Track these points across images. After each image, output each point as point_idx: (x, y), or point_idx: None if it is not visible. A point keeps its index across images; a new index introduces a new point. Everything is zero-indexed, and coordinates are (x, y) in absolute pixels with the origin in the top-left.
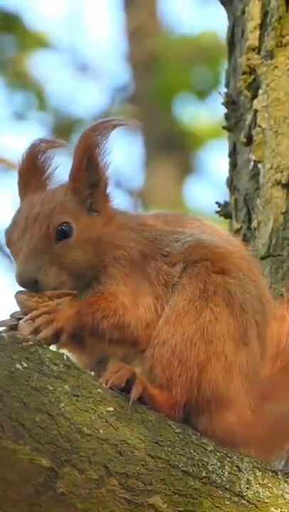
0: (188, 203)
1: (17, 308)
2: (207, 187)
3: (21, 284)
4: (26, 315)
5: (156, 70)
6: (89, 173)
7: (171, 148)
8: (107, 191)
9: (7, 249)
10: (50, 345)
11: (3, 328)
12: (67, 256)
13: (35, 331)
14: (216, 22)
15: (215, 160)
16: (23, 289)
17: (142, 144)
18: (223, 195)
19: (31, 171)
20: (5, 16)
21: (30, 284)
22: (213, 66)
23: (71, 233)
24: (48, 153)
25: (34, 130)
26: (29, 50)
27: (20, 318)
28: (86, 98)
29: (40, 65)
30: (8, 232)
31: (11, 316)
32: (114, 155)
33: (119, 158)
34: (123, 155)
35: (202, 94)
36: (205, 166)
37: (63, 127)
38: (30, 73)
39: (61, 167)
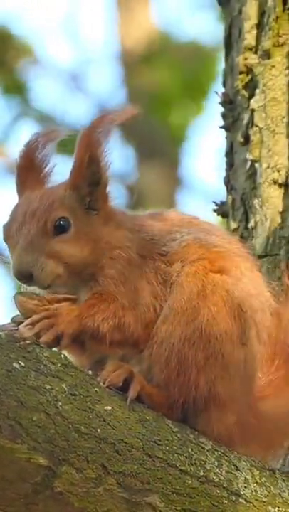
0: (180, 203)
1: (17, 311)
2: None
3: (17, 276)
4: (26, 318)
5: (149, 72)
6: (90, 171)
7: (162, 150)
8: (107, 190)
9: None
10: (50, 348)
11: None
12: (64, 251)
13: (36, 336)
14: (211, 23)
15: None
16: (23, 291)
17: (133, 144)
18: (216, 194)
19: (29, 169)
20: None
21: (26, 277)
22: (206, 69)
23: (68, 228)
24: (46, 149)
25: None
26: (19, 59)
27: (21, 323)
28: (78, 107)
29: (32, 74)
30: (6, 227)
31: (11, 320)
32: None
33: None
34: (116, 154)
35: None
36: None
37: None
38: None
39: (60, 164)
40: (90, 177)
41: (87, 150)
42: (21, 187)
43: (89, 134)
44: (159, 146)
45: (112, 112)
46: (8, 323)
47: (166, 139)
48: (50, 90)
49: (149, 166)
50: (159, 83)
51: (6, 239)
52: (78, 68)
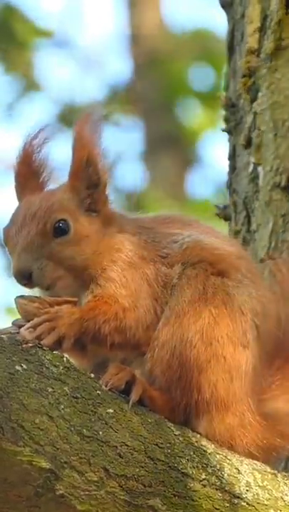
0: (190, 196)
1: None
2: (207, 180)
3: (17, 276)
4: (27, 321)
5: (158, 68)
6: (88, 173)
7: (171, 144)
8: (107, 192)
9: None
10: (52, 351)
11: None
12: (64, 253)
13: (37, 339)
14: (217, 22)
15: (214, 153)
16: (24, 294)
17: (143, 139)
18: (223, 187)
19: (28, 174)
20: (5, 9)
21: (25, 278)
22: (215, 64)
23: (68, 230)
24: (42, 151)
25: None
26: (30, 43)
27: (22, 326)
28: (87, 89)
29: (42, 58)
30: (6, 230)
31: (12, 323)
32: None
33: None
34: (123, 150)
35: (203, 94)
36: (204, 160)
37: (66, 115)
38: (31, 65)
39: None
40: (88, 179)
41: (84, 152)
42: (21, 192)
43: (83, 135)
44: (169, 139)
45: (95, 108)
46: (10, 327)
47: (175, 133)
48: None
49: (158, 158)
50: (170, 79)
51: (6, 241)
52: (90, 55)
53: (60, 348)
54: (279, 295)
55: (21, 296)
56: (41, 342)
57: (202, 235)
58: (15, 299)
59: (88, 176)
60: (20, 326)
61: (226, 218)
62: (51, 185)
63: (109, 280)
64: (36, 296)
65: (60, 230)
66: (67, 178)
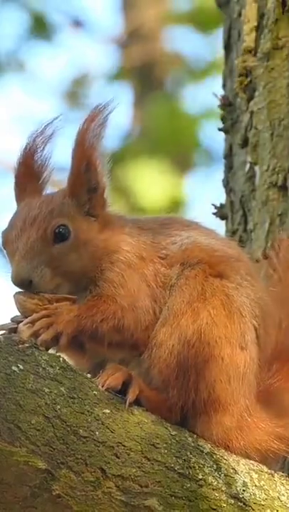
0: (185, 195)
1: (17, 312)
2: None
3: (16, 283)
4: (25, 318)
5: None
6: (87, 177)
7: (166, 139)
8: (105, 196)
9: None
10: (49, 348)
11: (3, 331)
12: (64, 259)
13: (35, 334)
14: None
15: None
16: (23, 291)
17: (136, 131)
18: (220, 192)
19: (28, 176)
20: None
21: (25, 284)
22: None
23: (68, 236)
24: (44, 153)
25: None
26: None
27: (20, 322)
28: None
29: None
30: (5, 234)
31: (11, 320)
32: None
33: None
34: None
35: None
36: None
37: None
38: None
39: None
40: (87, 184)
41: (83, 157)
42: (20, 194)
43: (84, 139)
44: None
45: (99, 112)
46: (8, 323)
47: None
48: None
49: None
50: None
51: (5, 245)
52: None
53: (57, 345)
54: (277, 297)
55: (20, 293)
56: (39, 338)
57: (201, 237)
58: (14, 296)
59: (87, 181)
60: (18, 323)
61: (223, 218)
62: (50, 187)
63: (107, 281)
64: (35, 293)
65: (61, 236)
66: (66, 182)
